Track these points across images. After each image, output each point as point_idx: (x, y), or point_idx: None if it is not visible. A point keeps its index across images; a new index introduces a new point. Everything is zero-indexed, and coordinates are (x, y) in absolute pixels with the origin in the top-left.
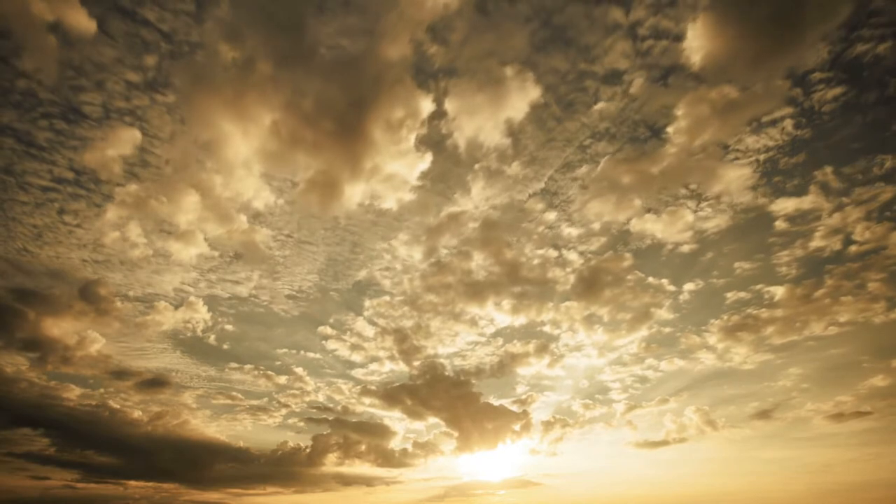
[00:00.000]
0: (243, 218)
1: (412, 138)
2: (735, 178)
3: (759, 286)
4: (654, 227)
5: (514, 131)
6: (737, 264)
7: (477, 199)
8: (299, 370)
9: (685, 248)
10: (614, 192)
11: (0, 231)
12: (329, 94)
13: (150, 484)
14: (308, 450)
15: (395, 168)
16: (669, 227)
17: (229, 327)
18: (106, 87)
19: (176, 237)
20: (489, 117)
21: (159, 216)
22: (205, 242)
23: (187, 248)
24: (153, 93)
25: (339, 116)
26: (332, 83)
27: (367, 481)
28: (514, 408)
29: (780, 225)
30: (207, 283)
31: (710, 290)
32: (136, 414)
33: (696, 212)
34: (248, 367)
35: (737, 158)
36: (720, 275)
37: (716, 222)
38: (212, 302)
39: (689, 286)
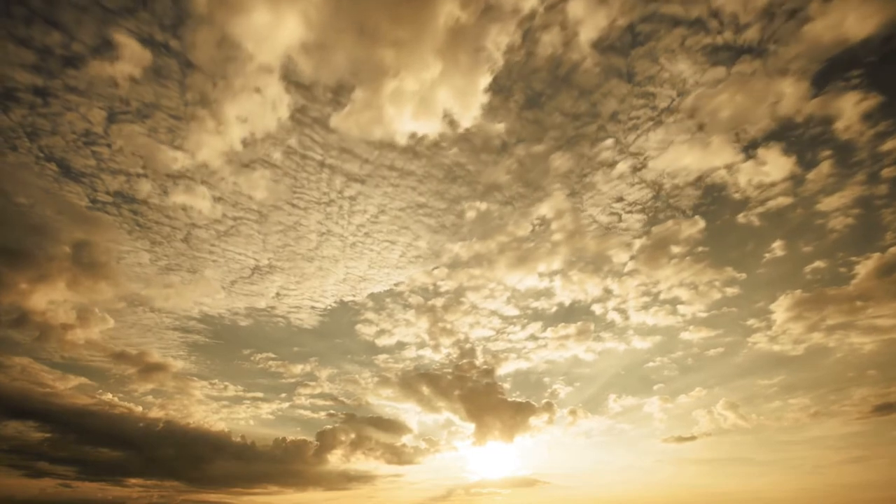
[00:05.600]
0: (260, 176)
1: (489, 47)
2: (852, 107)
3: (841, 254)
4: (741, 177)
5: (602, 48)
6: (830, 224)
7: (546, 137)
8: (314, 360)
9: (771, 205)
10: (704, 131)
11: None
12: None
13: (150, 482)
14: (315, 446)
15: (459, 89)
16: (759, 177)
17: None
18: None
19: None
20: (584, 21)
21: (168, 165)
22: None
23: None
24: None
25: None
26: None
27: (372, 479)
28: (534, 401)
29: (889, 173)
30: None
31: (788, 260)
32: (137, 407)
33: (797, 154)
34: (261, 356)
35: (857, 81)
36: (809, 239)
37: (816, 171)
38: (227, 279)
39: (766, 256)
